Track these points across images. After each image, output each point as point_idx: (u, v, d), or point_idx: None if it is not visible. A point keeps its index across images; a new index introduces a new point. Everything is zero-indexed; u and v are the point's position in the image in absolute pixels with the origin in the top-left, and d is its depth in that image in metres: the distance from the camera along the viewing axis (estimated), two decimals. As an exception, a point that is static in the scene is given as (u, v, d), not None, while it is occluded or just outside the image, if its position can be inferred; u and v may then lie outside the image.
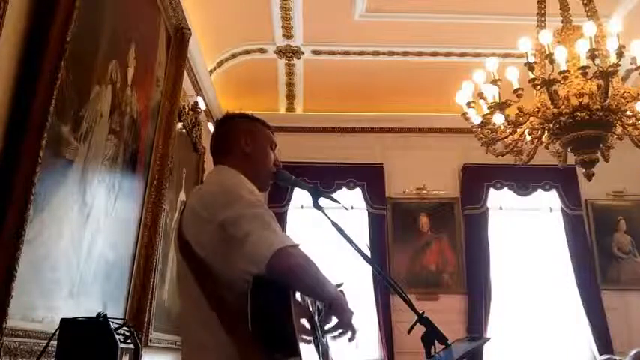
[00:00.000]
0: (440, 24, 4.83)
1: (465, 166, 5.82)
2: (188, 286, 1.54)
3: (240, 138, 1.76)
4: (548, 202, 5.82)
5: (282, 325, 1.37)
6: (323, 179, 5.43)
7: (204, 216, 1.53)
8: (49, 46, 2.04)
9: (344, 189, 5.66)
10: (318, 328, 1.55)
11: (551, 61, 3.14)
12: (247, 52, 5.23)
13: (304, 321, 1.50)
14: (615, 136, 3.51)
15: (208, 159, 4.65)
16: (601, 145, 3.45)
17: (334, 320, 1.44)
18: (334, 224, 1.67)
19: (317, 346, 1.50)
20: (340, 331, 1.44)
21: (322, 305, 1.54)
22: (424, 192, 5.81)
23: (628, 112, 3.38)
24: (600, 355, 4.89)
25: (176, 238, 1.64)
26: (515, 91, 3.32)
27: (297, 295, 1.49)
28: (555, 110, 3.31)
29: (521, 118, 3.47)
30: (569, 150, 3.51)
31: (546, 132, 3.49)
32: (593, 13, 3.47)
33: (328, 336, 1.48)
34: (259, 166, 1.75)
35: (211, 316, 1.46)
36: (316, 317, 1.57)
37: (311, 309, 1.56)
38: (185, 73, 4.09)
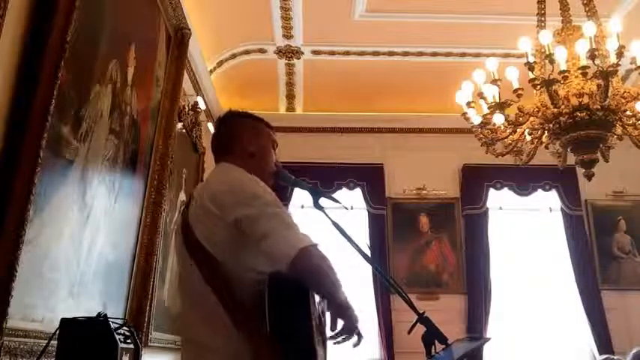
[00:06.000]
0: (440, 24, 4.83)
1: (465, 166, 5.82)
2: (193, 283, 1.53)
3: (243, 136, 1.76)
4: (548, 202, 5.81)
5: (300, 325, 1.37)
6: (323, 179, 5.42)
7: (216, 213, 1.52)
8: (49, 46, 2.04)
9: (344, 189, 5.65)
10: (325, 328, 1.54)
11: (551, 61, 3.14)
12: (247, 52, 5.23)
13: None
14: (615, 136, 3.50)
15: (208, 159, 4.65)
16: (601, 145, 3.44)
17: (340, 324, 1.43)
18: (334, 224, 1.67)
19: (324, 353, 1.49)
20: (346, 335, 1.44)
21: (326, 307, 1.53)
22: (424, 192, 5.80)
23: (628, 112, 3.37)
24: (600, 355, 4.89)
25: (179, 235, 1.63)
26: (515, 91, 3.32)
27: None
28: (555, 110, 3.31)
29: (521, 118, 3.47)
30: (569, 150, 3.50)
31: (546, 132, 3.49)
32: (593, 13, 3.47)
33: (332, 340, 1.47)
34: (262, 165, 1.74)
35: (219, 312, 1.45)
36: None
37: (319, 309, 1.55)
38: (185, 73, 4.09)
